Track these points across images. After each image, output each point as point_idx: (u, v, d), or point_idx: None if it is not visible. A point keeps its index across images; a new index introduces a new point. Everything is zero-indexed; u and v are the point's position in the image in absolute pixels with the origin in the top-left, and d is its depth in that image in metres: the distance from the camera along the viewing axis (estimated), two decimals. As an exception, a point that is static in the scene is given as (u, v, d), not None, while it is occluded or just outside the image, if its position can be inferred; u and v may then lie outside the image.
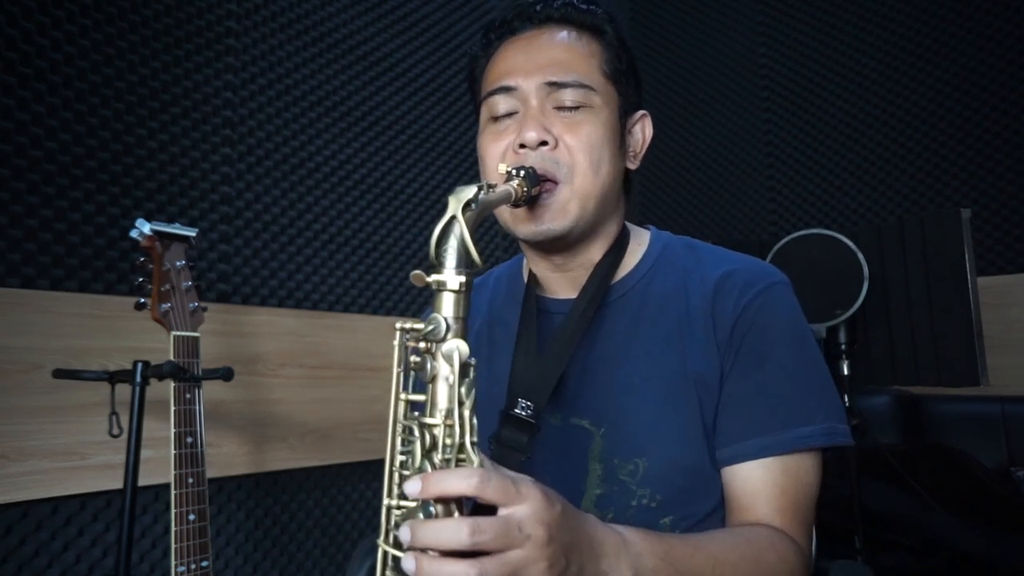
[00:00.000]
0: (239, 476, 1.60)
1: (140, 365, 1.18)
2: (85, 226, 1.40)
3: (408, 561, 0.54)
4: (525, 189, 0.77)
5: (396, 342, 0.63)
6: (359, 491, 1.88)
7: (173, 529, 1.10)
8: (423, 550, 0.54)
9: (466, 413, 0.59)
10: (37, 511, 1.30)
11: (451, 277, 0.61)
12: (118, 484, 1.24)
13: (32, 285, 1.31)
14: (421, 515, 0.56)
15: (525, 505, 0.56)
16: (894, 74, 2.60)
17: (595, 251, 0.91)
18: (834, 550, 1.80)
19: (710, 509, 0.84)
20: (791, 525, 0.79)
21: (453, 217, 0.62)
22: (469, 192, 0.64)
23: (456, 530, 0.53)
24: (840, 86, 2.72)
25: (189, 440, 1.15)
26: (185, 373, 1.16)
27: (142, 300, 1.19)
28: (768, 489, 0.80)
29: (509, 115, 0.87)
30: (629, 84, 0.92)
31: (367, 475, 1.89)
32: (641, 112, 0.95)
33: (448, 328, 0.60)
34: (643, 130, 0.95)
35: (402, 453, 0.63)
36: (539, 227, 0.84)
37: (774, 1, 2.92)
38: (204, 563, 1.12)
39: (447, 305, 0.61)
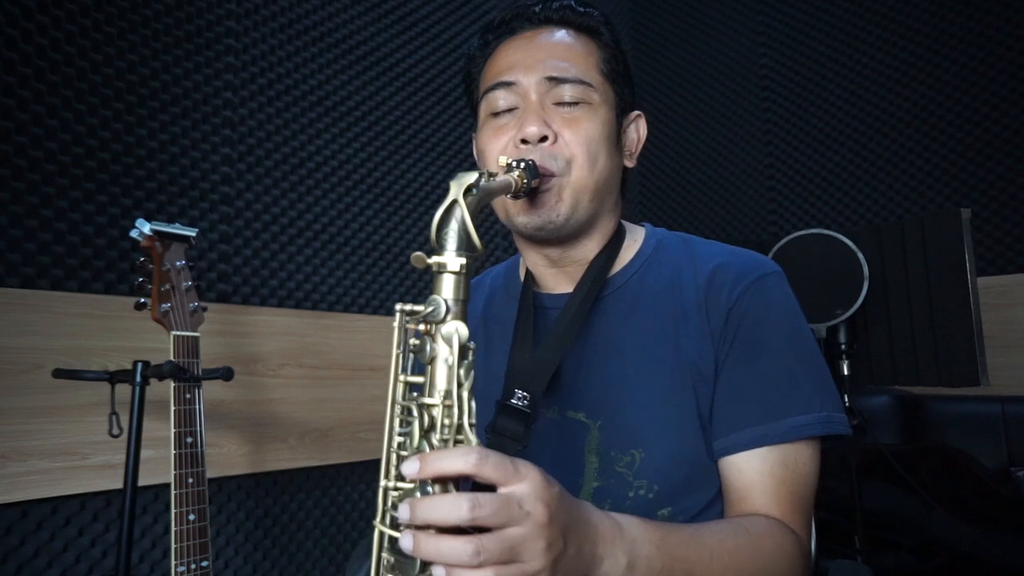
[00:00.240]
0: (239, 476, 1.60)
1: (140, 365, 1.18)
2: (85, 226, 1.40)
3: (406, 538, 0.54)
4: (525, 181, 0.78)
5: (396, 323, 0.64)
6: (359, 491, 1.88)
7: (173, 529, 1.10)
8: (421, 527, 0.54)
9: (465, 394, 0.59)
10: (37, 511, 1.30)
11: (451, 259, 0.61)
12: (118, 484, 1.24)
13: (32, 285, 1.31)
14: (419, 495, 0.56)
15: (524, 484, 0.56)
16: (894, 74, 2.60)
17: (591, 246, 0.92)
18: (834, 550, 1.80)
19: (708, 500, 0.84)
20: (789, 515, 0.79)
21: (455, 201, 0.63)
22: (470, 178, 0.64)
23: (455, 505, 0.53)
24: (840, 86, 2.72)
25: (189, 440, 1.15)
26: (185, 373, 1.16)
27: (142, 300, 1.19)
28: (765, 479, 0.79)
29: (509, 111, 0.88)
30: (624, 85, 0.93)
31: (367, 475, 1.89)
32: (636, 112, 0.96)
33: (448, 310, 0.60)
34: (638, 130, 0.96)
35: (400, 435, 0.63)
36: (537, 218, 0.85)
37: (774, 1, 2.92)
38: (204, 563, 1.12)
39: (447, 287, 0.61)
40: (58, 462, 1.30)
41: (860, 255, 1.83)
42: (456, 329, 0.59)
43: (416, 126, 2.12)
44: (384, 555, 0.61)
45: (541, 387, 0.84)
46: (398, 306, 0.63)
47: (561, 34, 0.90)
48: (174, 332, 1.19)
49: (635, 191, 3.24)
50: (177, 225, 1.24)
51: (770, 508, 0.78)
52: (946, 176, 2.47)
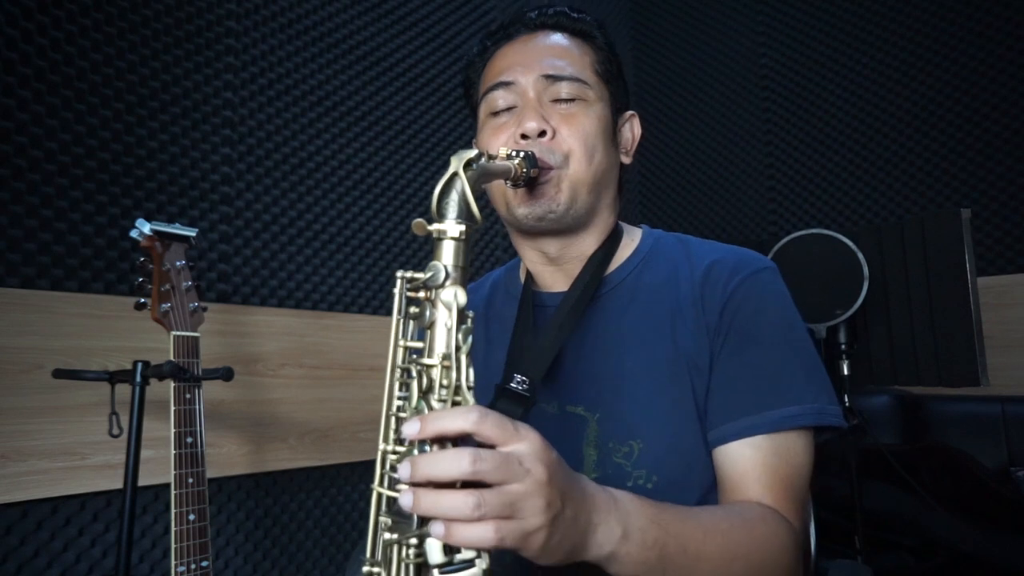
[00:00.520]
0: (239, 476, 1.60)
1: (140, 365, 1.18)
2: (85, 226, 1.40)
3: (405, 496, 0.54)
4: (524, 169, 0.80)
5: (396, 290, 0.65)
6: (359, 491, 1.88)
7: (173, 529, 1.10)
8: (421, 485, 0.54)
9: (463, 357, 0.60)
10: (37, 511, 1.30)
11: (451, 226, 0.62)
12: (118, 484, 1.24)
13: (32, 285, 1.31)
14: (416, 453, 0.56)
15: (525, 443, 0.56)
16: (894, 74, 2.60)
17: (590, 241, 0.94)
18: (834, 550, 1.80)
19: (705, 491, 0.85)
20: (783, 503, 0.79)
21: (455, 173, 0.64)
22: (471, 153, 0.66)
23: (457, 459, 0.53)
24: (840, 86, 2.72)
25: (189, 440, 1.15)
26: (185, 373, 1.16)
27: (142, 300, 1.19)
28: (757, 468, 0.80)
29: (508, 110, 0.91)
30: (619, 85, 0.96)
31: (367, 475, 1.89)
32: (630, 112, 0.99)
33: (447, 275, 0.61)
34: (632, 129, 0.99)
35: (399, 399, 0.64)
36: (537, 208, 0.87)
37: (774, 1, 2.92)
38: (204, 563, 1.12)
39: (447, 253, 0.62)
40: (58, 462, 1.30)
41: (860, 255, 1.83)
42: (455, 294, 0.60)
43: (416, 126, 2.12)
44: (382, 518, 0.62)
45: (540, 373, 0.85)
46: (399, 273, 0.65)
47: (557, 37, 0.93)
48: (174, 332, 1.19)
49: (635, 191, 3.24)
50: (177, 225, 1.24)
51: (763, 496, 0.79)
52: (946, 176, 2.47)
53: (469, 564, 0.54)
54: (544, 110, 0.88)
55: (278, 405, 1.68)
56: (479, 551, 0.54)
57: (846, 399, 1.85)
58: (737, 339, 0.85)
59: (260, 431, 1.63)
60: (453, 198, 0.64)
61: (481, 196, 0.69)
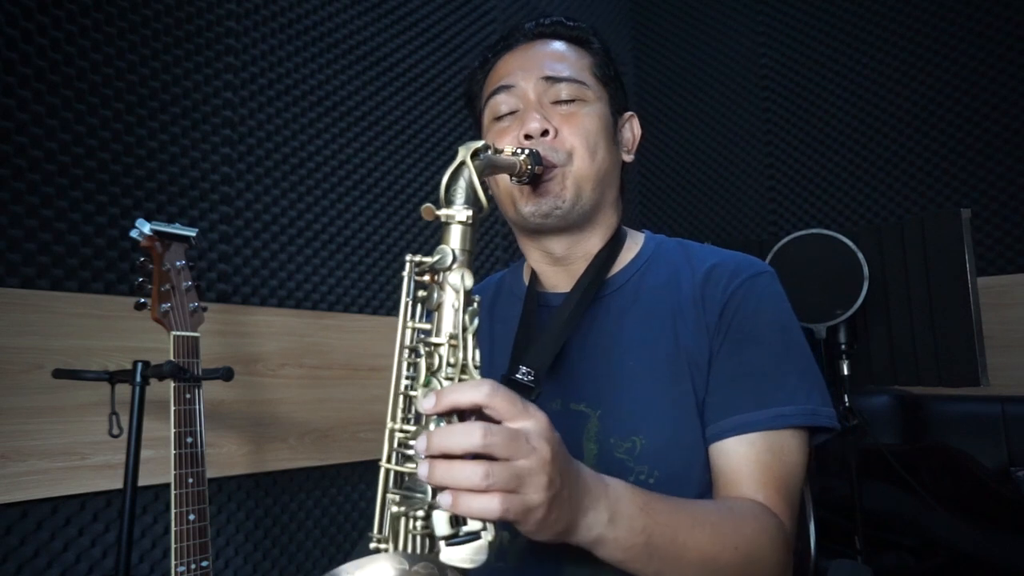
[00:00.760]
0: (239, 476, 1.60)
1: (140, 365, 1.18)
2: (85, 226, 1.40)
3: (422, 467, 0.56)
4: (529, 166, 0.82)
5: (405, 273, 0.68)
6: (359, 491, 1.88)
7: (173, 529, 1.10)
8: (435, 457, 0.56)
9: (469, 337, 0.62)
10: (37, 511, 1.30)
11: (459, 211, 0.65)
12: (118, 484, 1.24)
13: (32, 285, 1.31)
14: (432, 427, 0.58)
15: (532, 421, 0.59)
16: (894, 74, 2.60)
17: (594, 240, 0.96)
18: (834, 550, 1.80)
19: (705, 487, 0.86)
20: (775, 501, 0.81)
21: (463, 162, 0.67)
22: (478, 144, 0.69)
23: (468, 431, 0.56)
24: (840, 86, 2.72)
25: (189, 440, 1.15)
26: (185, 373, 1.16)
27: (142, 300, 1.19)
28: (751, 464, 0.82)
29: (510, 114, 0.93)
30: (617, 88, 0.99)
31: (367, 475, 1.89)
32: (629, 113, 1.02)
33: (455, 258, 0.64)
34: (632, 129, 1.02)
35: (407, 378, 0.67)
36: (543, 205, 0.89)
37: (774, 1, 2.92)
38: (204, 563, 1.12)
39: (454, 237, 0.64)
40: (58, 462, 1.30)
41: (860, 255, 1.83)
42: (462, 276, 0.63)
43: (416, 126, 2.12)
44: (390, 495, 0.64)
45: (546, 364, 0.87)
46: (408, 256, 0.68)
47: (555, 44, 0.97)
48: (174, 332, 1.19)
49: (635, 191, 3.24)
50: (177, 225, 1.24)
51: (756, 492, 0.81)
52: (946, 176, 2.47)
53: (475, 536, 0.56)
54: (545, 111, 0.91)
55: (278, 405, 1.68)
56: (484, 523, 0.56)
57: (846, 399, 1.85)
58: (735, 339, 0.87)
59: (260, 431, 1.63)
60: (461, 185, 0.66)
61: (486, 191, 0.70)
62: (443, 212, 0.65)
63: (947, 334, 1.79)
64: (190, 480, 1.13)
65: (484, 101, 0.97)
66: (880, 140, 2.61)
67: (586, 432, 0.88)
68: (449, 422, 0.58)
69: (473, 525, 0.56)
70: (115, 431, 1.18)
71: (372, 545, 0.64)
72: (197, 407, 1.17)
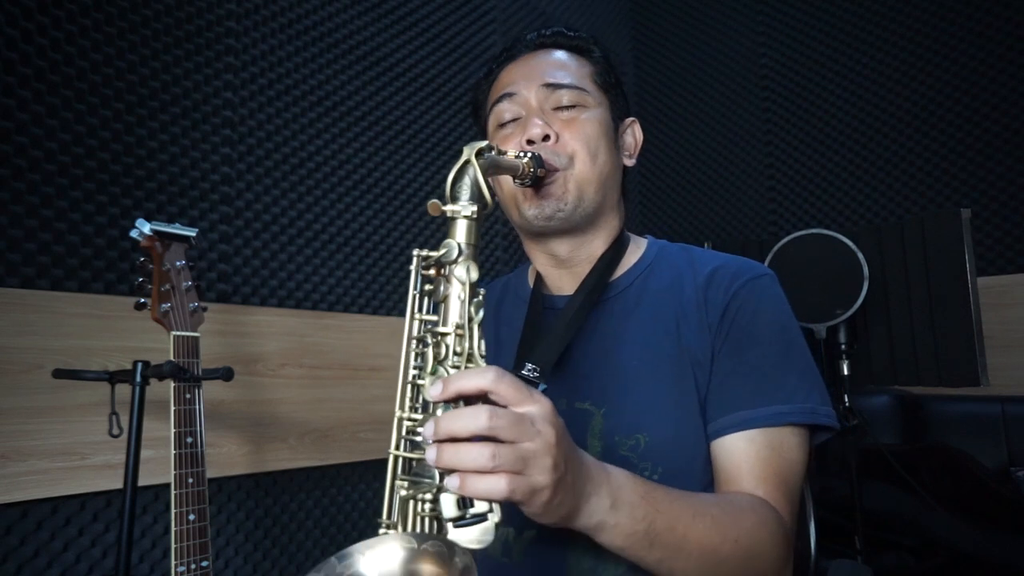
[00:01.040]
0: (239, 476, 1.60)
1: (140, 365, 1.18)
2: (85, 226, 1.40)
3: (430, 451, 0.58)
4: (532, 169, 0.84)
5: (413, 267, 0.71)
6: (359, 491, 1.88)
7: (173, 529, 1.10)
8: (443, 441, 0.58)
9: (475, 327, 0.65)
10: (37, 511, 1.30)
11: (465, 207, 0.67)
12: (118, 484, 1.24)
13: (32, 285, 1.31)
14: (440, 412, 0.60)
15: (537, 406, 0.60)
16: (894, 74, 2.60)
17: (598, 243, 0.98)
18: (834, 550, 1.80)
19: (707, 483, 0.87)
20: (774, 496, 0.82)
21: (468, 161, 0.69)
22: (482, 143, 0.71)
23: (475, 415, 0.57)
24: (840, 86, 2.72)
25: (189, 440, 1.15)
26: (185, 373, 1.16)
27: (142, 300, 1.19)
28: (751, 460, 0.83)
29: (513, 120, 0.96)
30: (618, 94, 1.01)
31: (367, 475, 1.89)
32: (630, 119, 1.04)
33: (461, 252, 0.66)
34: (634, 134, 1.04)
35: (415, 368, 0.70)
36: (547, 208, 0.91)
37: (774, 1, 2.92)
38: (204, 563, 1.12)
39: (460, 231, 0.67)
40: (58, 462, 1.30)
41: (860, 255, 1.83)
42: (468, 268, 0.65)
43: (416, 126, 2.12)
44: (399, 482, 0.66)
45: (550, 362, 0.89)
46: (415, 251, 0.70)
47: (556, 53, 0.99)
48: (174, 332, 1.19)
49: (635, 192, 3.24)
50: (177, 225, 1.24)
51: (756, 488, 0.82)
52: (946, 176, 2.47)
53: (482, 518, 0.58)
54: (547, 117, 0.93)
55: (278, 405, 1.68)
56: (490, 505, 0.58)
57: (846, 399, 1.85)
58: (736, 339, 0.89)
59: (260, 431, 1.63)
60: (466, 182, 0.68)
61: (491, 192, 0.72)
62: (449, 208, 0.67)
63: (947, 334, 1.79)
64: (190, 480, 1.13)
65: (488, 109, 1.00)
66: (880, 140, 2.61)
67: (590, 430, 0.89)
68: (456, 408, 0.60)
69: (480, 507, 0.58)
70: (115, 431, 1.18)
71: (381, 531, 0.65)
72: (197, 407, 1.17)
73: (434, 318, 0.67)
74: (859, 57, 2.68)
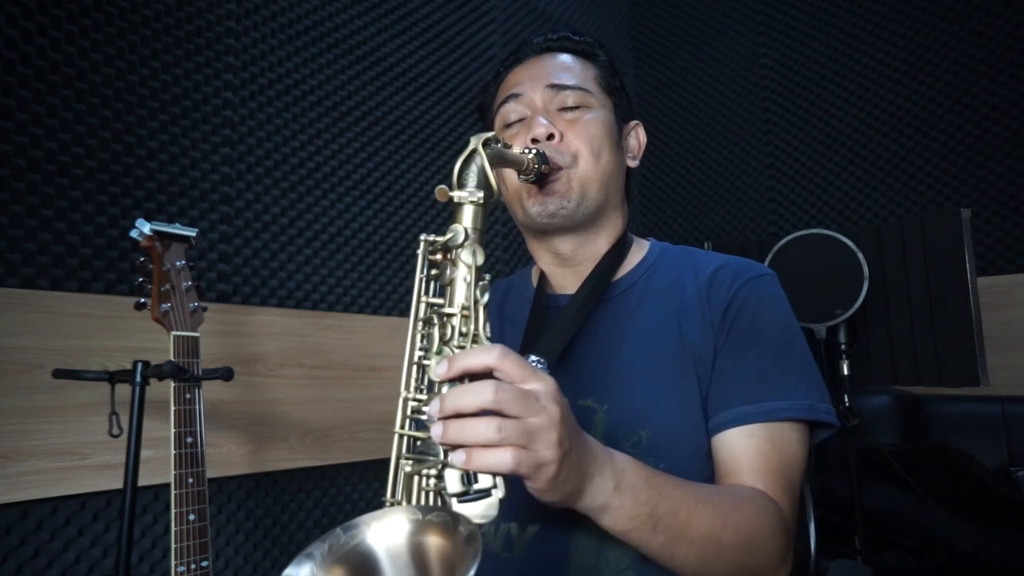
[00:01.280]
0: (239, 476, 1.60)
1: (140, 365, 1.18)
2: (85, 226, 1.40)
3: (436, 428, 0.58)
4: (536, 165, 0.85)
5: (420, 251, 0.72)
6: (359, 491, 1.88)
7: (173, 529, 1.10)
8: (449, 418, 0.58)
9: (480, 309, 0.66)
10: (37, 511, 1.30)
11: (472, 192, 0.69)
12: (118, 484, 1.24)
13: (32, 285, 1.31)
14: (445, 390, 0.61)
15: (542, 384, 0.61)
16: (894, 74, 2.60)
17: (601, 242, 0.99)
18: (834, 550, 1.80)
19: (709, 478, 0.88)
20: (774, 489, 0.83)
21: (475, 150, 0.71)
22: (488, 134, 0.72)
23: (480, 390, 0.58)
24: (840, 86, 2.72)
25: (189, 440, 1.15)
26: (185, 373, 1.16)
27: (142, 300, 1.19)
28: (751, 454, 0.84)
29: (519, 121, 0.98)
30: (622, 97, 1.03)
31: (367, 475, 1.89)
32: (634, 122, 1.06)
33: (467, 236, 0.67)
34: (638, 136, 1.06)
35: (421, 349, 0.71)
36: (550, 205, 0.93)
37: (774, 1, 2.92)
38: (204, 563, 1.12)
39: (467, 217, 0.68)
40: (58, 462, 1.30)
41: (860, 255, 1.83)
42: (474, 252, 0.66)
43: (416, 126, 2.12)
44: (403, 462, 0.67)
45: (554, 355, 0.90)
46: (422, 236, 0.72)
47: (561, 56, 1.01)
48: (174, 332, 1.19)
49: (635, 192, 3.24)
50: (177, 225, 1.24)
51: (756, 481, 0.83)
52: (946, 176, 2.47)
53: (485, 493, 0.58)
54: (551, 117, 0.95)
55: (278, 405, 1.68)
56: (494, 481, 0.58)
57: (846, 399, 1.85)
58: (737, 337, 0.90)
59: (260, 431, 1.63)
60: (472, 170, 0.70)
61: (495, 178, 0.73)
62: (456, 193, 0.68)
63: (947, 334, 1.79)
64: (190, 480, 1.13)
65: (495, 110, 1.02)
66: (880, 140, 2.61)
67: (593, 426, 0.90)
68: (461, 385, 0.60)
69: (484, 483, 0.58)
70: (115, 431, 1.18)
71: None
72: (197, 407, 1.17)
73: (440, 301, 0.68)
74: (859, 57, 2.68)
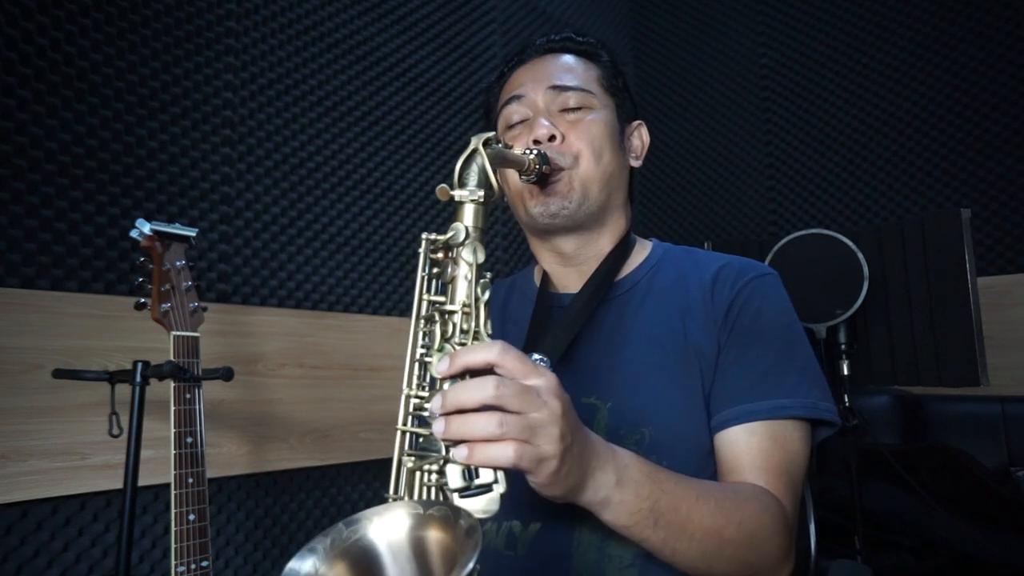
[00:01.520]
0: (239, 476, 1.60)
1: (140, 365, 1.18)
2: (85, 226, 1.40)
3: (438, 424, 0.59)
4: (537, 165, 0.86)
5: (421, 250, 0.73)
6: (359, 491, 1.88)
7: (173, 529, 1.10)
8: (451, 414, 0.59)
9: (481, 307, 0.66)
10: (37, 511, 1.30)
11: (472, 191, 0.69)
12: (118, 484, 1.24)
13: (32, 285, 1.31)
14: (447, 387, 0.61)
15: (543, 379, 0.61)
16: (894, 74, 2.60)
17: (604, 242, 1.00)
18: (834, 550, 1.80)
19: (711, 475, 0.89)
20: (776, 486, 0.83)
21: (475, 150, 0.71)
22: (489, 134, 0.73)
23: (481, 385, 0.58)
24: (840, 86, 2.72)
25: (189, 440, 1.15)
26: (185, 373, 1.16)
27: (142, 300, 1.19)
28: (753, 451, 0.85)
29: (522, 122, 0.99)
30: (624, 98, 1.04)
31: (367, 475, 1.89)
32: (637, 122, 1.07)
33: (468, 235, 0.68)
34: (640, 136, 1.07)
35: (422, 347, 0.71)
36: (551, 205, 0.94)
37: (774, 1, 2.92)
38: (204, 563, 1.12)
39: (468, 215, 0.69)
40: (58, 462, 1.30)
41: (860, 255, 1.83)
42: (475, 250, 0.67)
43: (416, 126, 2.12)
44: (406, 458, 0.68)
45: (557, 354, 0.90)
46: (424, 235, 0.72)
47: (564, 57, 1.02)
48: (174, 332, 1.19)
49: (635, 191, 3.24)
50: (177, 225, 1.24)
51: (758, 478, 0.84)
52: (946, 176, 2.46)
53: (487, 488, 0.59)
54: (553, 118, 0.96)
55: (278, 405, 1.68)
56: (496, 476, 0.59)
57: (846, 399, 1.85)
58: (740, 335, 0.90)
59: (260, 431, 1.63)
60: (473, 170, 0.70)
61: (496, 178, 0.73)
62: (457, 192, 0.69)
63: (947, 334, 1.79)
64: (190, 480, 1.13)
65: (498, 111, 1.03)
66: (880, 140, 2.61)
67: (596, 424, 0.90)
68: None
69: (485, 478, 0.59)
70: (115, 431, 1.18)
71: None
72: (197, 407, 1.17)
73: (442, 298, 0.69)
74: (859, 57, 2.68)
